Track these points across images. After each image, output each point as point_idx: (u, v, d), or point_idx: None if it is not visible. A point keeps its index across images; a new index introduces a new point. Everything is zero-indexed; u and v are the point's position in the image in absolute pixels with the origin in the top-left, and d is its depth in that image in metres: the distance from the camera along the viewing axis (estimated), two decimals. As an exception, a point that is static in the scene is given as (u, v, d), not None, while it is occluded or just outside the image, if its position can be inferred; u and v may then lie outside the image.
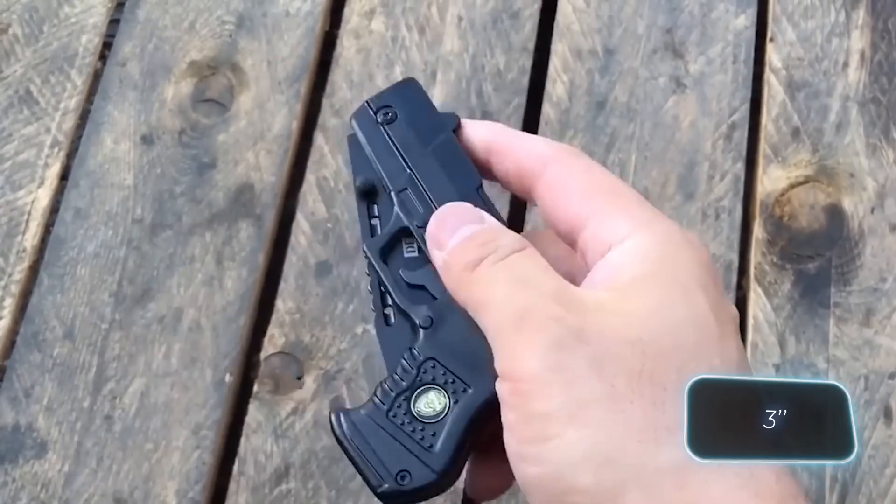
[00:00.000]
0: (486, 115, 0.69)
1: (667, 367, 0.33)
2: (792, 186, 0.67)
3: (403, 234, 0.40)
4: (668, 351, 0.33)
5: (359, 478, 0.59)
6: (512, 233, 0.38)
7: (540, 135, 0.68)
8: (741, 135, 0.68)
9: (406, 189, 0.40)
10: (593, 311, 0.34)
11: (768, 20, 0.72)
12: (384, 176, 0.41)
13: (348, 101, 0.69)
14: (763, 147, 0.68)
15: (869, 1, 0.72)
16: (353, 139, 0.42)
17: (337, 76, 0.70)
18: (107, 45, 0.72)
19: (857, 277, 0.64)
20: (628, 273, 0.35)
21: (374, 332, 0.63)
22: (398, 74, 0.70)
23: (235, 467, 0.60)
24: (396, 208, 0.40)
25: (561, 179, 0.38)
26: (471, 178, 0.40)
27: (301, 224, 0.66)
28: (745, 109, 0.69)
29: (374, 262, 0.40)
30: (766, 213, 0.66)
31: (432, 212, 0.39)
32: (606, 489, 0.32)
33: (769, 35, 0.71)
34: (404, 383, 0.38)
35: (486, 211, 0.39)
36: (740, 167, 0.67)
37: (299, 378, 0.62)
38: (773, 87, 0.69)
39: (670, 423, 0.32)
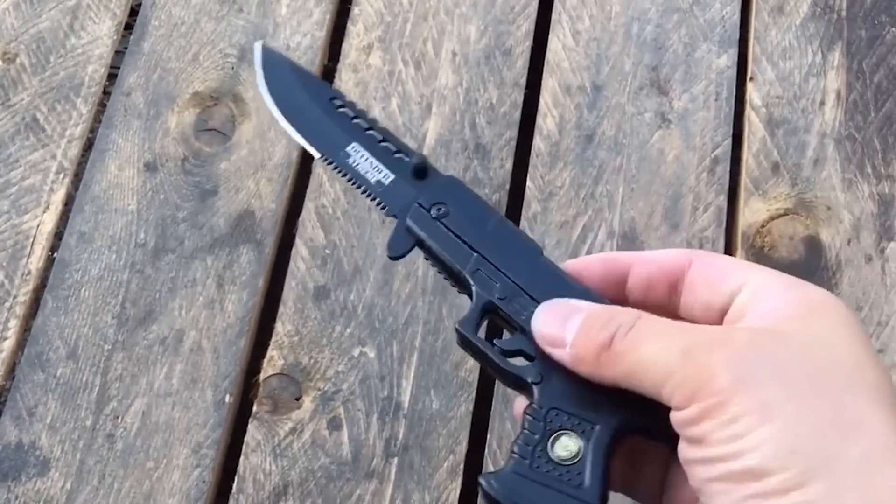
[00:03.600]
0: (479, 148, 0.71)
1: (838, 373, 0.37)
2: (772, 218, 0.70)
3: (488, 310, 0.44)
4: (834, 360, 0.37)
5: (355, 497, 0.61)
6: (617, 306, 0.42)
7: (531, 166, 0.71)
8: (723, 169, 0.71)
9: (479, 269, 0.44)
10: (757, 333, 0.38)
11: (749, 60, 0.75)
12: (454, 262, 0.44)
13: (346, 132, 0.72)
14: (744, 181, 0.71)
15: (844, 43, 0.75)
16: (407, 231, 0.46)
17: (335, 108, 0.73)
18: (112, 76, 0.74)
19: (834, 306, 0.67)
20: (785, 308, 0.39)
21: (371, 355, 0.66)
22: (394, 107, 0.73)
23: (235, 485, 0.62)
24: (475, 287, 0.44)
25: (712, 261, 0.43)
26: (531, 247, 0.45)
27: (300, 250, 0.68)
28: (727, 145, 0.72)
29: (471, 339, 0.43)
30: (747, 244, 0.69)
31: (507, 284, 0.43)
32: (793, 478, 0.35)
33: (749, 74, 0.74)
34: (536, 436, 0.41)
35: (554, 269, 0.44)
36: (723, 199, 0.70)
37: (298, 399, 0.64)
38: (754, 124, 0.72)
39: (851, 422, 0.36)
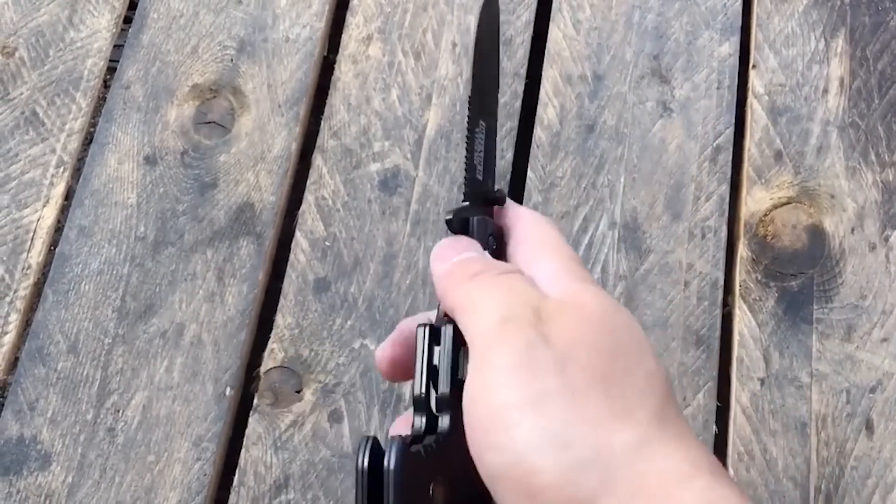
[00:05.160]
0: (479, 138, 0.71)
1: (615, 367, 0.38)
2: (775, 207, 0.69)
3: None
4: (615, 353, 0.39)
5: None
6: (506, 263, 0.44)
7: (532, 157, 0.71)
8: (726, 157, 0.70)
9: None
10: (560, 320, 0.39)
11: (751, 48, 0.74)
12: None
13: (346, 123, 0.71)
14: (747, 169, 0.70)
15: (847, 30, 0.74)
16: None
17: (335, 99, 0.72)
18: (111, 69, 0.74)
19: (838, 295, 0.66)
20: (581, 296, 0.41)
21: (372, 347, 0.65)
22: (395, 98, 0.72)
23: (236, 478, 0.62)
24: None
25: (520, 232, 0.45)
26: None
27: (300, 242, 0.68)
28: (729, 133, 0.71)
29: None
30: (750, 233, 0.68)
31: None
32: (565, 471, 0.35)
33: (752, 62, 0.74)
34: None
35: None
36: (725, 188, 0.70)
37: (298, 391, 0.64)
38: (756, 112, 0.72)
39: (620, 413, 0.37)
